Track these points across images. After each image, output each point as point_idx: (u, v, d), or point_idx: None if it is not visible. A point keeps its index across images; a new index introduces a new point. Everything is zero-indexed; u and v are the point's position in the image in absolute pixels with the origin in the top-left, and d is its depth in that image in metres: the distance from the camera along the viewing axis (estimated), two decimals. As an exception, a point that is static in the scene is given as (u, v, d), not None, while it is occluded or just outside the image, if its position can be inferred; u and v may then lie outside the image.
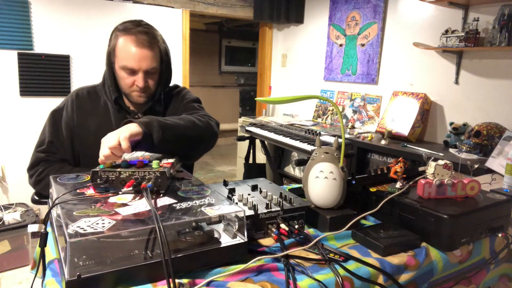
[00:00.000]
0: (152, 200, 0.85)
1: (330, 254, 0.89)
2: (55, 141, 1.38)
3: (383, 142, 2.74)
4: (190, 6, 3.86)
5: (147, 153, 1.14)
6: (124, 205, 0.84)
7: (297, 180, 3.79)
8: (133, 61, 1.30)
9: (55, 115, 1.42)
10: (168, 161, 1.03)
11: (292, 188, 1.30)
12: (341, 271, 0.82)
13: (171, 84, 1.53)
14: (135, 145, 1.10)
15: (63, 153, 1.40)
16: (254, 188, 1.13)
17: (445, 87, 2.86)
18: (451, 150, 2.52)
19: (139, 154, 1.12)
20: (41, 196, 1.42)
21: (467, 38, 2.52)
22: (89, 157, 1.32)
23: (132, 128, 1.07)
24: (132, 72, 1.32)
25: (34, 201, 1.66)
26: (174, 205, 0.85)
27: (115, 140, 1.01)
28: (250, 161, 3.76)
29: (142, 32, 1.32)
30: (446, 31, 2.67)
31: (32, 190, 1.46)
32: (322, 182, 1.07)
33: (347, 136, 3.01)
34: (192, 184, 1.02)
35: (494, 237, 1.11)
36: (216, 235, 0.84)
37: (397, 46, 3.20)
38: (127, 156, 1.08)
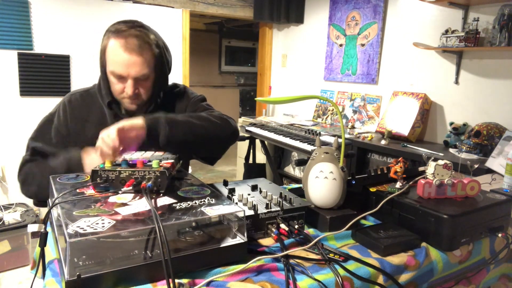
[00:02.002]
0: (152, 200, 0.85)
1: (330, 254, 0.89)
2: (37, 147, 1.30)
3: (383, 142, 2.74)
4: (190, 6, 3.86)
5: (147, 153, 1.14)
6: (124, 204, 0.84)
7: (297, 180, 3.79)
8: (121, 67, 1.20)
9: (46, 123, 1.34)
10: (168, 161, 1.03)
11: (292, 188, 1.30)
12: (341, 271, 0.82)
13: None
14: (142, 143, 1.07)
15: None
16: (254, 188, 1.13)
17: (445, 87, 2.86)
18: (451, 150, 2.52)
19: (139, 154, 1.12)
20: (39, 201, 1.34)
21: (467, 38, 2.52)
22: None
23: (132, 120, 1.04)
24: (121, 78, 1.23)
25: (36, 203, 1.65)
26: (174, 205, 0.85)
27: (107, 130, 0.99)
28: (250, 161, 3.76)
29: (133, 35, 1.21)
30: (446, 31, 2.67)
31: None
32: (322, 182, 1.06)
33: (347, 136, 3.01)
34: (192, 184, 1.02)
35: (494, 237, 1.11)
36: (216, 235, 0.84)
37: (397, 46, 3.20)
38: (127, 155, 1.08)
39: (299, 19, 4.14)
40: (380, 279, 0.87)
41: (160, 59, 1.29)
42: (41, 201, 1.30)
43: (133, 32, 1.22)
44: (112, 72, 1.23)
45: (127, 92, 1.24)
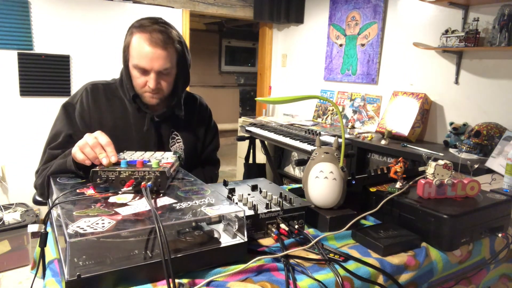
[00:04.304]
0: (152, 200, 0.85)
1: (330, 254, 0.89)
2: (73, 134, 1.27)
3: (383, 142, 2.74)
4: (190, 6, 3.86)
5: (147, 153, 1.14)
6: (124, 205, 0.84)
7: (297, 180, 3.79)
8: (145, 61, 1.24)
9: (68, 108, 1.32)
10: (168, 161, 1.03)
11: (292, 188, 1.30)
12: (341, 271, 0.82)
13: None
14: None
15: None
16: (254, 188, 1.13)
17: (445, 87, 2.86)
18: (451, 150, 2.52)
19: (138, 154, 1.12)
20: (41, 197, 1.31)
21: (467, 38, 2.52)
22: None
23: None
24: (144, 71, 1.26)
25: (35, 201, 1.65)
26: (174, 205, 0.85)
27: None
28: (250, 161, 3.76)
29: (157, 30, 1.24)
30: (446, 31, 2.67)
31: (33, 190, 1.44)
32: (322, 182, 1.06)
33: (347, 136, 3.01)
34: (192, 184, 1.02)
35: (494, 237, 1.11)
36: (216, 235, 0.84)
37: (397, 46, 3.20)
38: (127, 156, 1.08)
39: (299, 19, 4.14)
40: (380, 279, 0.87)
41: (182, 55, 1.34)
42: (43, 197, 1.28)
43: (157, 27, 1.25)
44: (135, 65, 1.26)
45: (149, 85, 1.27)
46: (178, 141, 1.44)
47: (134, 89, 1.32)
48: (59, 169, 1.12)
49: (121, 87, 1.36)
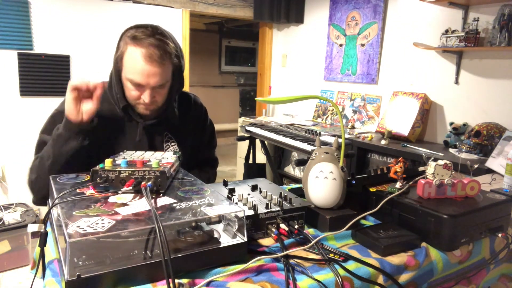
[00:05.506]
0: (152, 200, 0.85)
1: (330, 254, 0.89)
2: None
3: (383, 142, 2.74)
4: (190, 6, 3.86)
5: (147, 153, 1.14)
6: (124, 205, 0.84)
7: (297, 180, 3.79)
8: (140, 77, 1.19)
9: (56, 118, 1.30)
10: (168, 161, 1.03)
11: (292, 188, 1.30)
12: (341, 271, 0.82)
13: None
14: None
15: None
16: (254, 188, 1.13)
17: (445, 87, 2.86)
18: (451, 150, 2.52)
19: (138, 154, 1.12)
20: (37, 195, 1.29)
21: (467, 38, 2.52)
22: (96, 162, 1.21)
23: None
24: (139, 86, 1.22)
25: (34, 201, 1.64)
26: (174, 205, 0.85)
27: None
28: (250, 161, 3.76)
29: (154, 45, 1.17)
30: (446, 31, 2.67)
31: None
32: (322, 182, 1.06)
33: (347, 136, 3.01)
34: (192, 184, 1.02)
35: (494, 237, 1.11)
36: (216, 235, 0.84)
37: (397, 46, 3.20)
38: (127, 155, 1.08)
39: (299, 19, 4.14)
40: (380, 279, 0.87)
41: (178, 67, 1.29)
42: (38, 195, 1.26)
43: (153, 41, 1.18)
44: (130, 79, 1.22)
45: (144, 100, 1.24)
46: (172, 143, 1.41)
47: (125, 99, 1.28)
48: (57, 151, 1.14)
49: (110, 92, 1.32)
